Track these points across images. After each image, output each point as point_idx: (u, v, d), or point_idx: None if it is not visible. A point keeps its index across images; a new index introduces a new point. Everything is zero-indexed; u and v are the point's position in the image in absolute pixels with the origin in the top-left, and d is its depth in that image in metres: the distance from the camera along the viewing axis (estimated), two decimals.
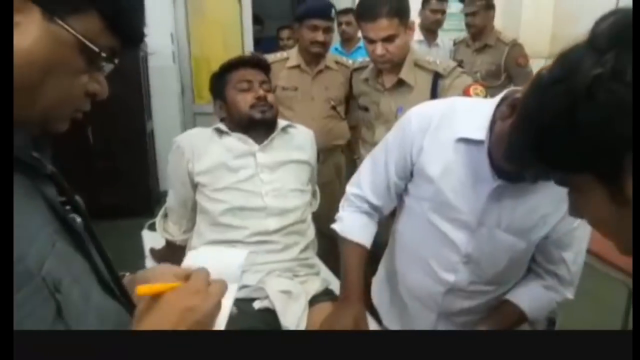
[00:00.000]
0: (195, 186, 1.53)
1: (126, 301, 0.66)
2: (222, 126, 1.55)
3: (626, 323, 2.38)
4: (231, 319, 1.24)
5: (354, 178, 1.37)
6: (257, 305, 1.37)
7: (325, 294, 1.46)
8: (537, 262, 1.22)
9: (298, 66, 2.30)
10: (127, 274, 0.84)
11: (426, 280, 1.25)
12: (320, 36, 2.22)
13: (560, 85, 0.51)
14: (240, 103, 1.51)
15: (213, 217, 1.47)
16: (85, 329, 0.52)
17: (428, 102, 1.33)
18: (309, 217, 1.63)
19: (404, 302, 1.34)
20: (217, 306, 0.61)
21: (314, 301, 1.42)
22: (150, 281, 0.76)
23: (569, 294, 1.22)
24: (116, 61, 0.58)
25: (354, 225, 1.31)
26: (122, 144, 3.74)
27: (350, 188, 1.36)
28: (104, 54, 0.55)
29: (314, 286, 1.46)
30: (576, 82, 0.49)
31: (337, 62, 2.36)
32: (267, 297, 1.37)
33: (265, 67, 1.62)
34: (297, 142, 1.62)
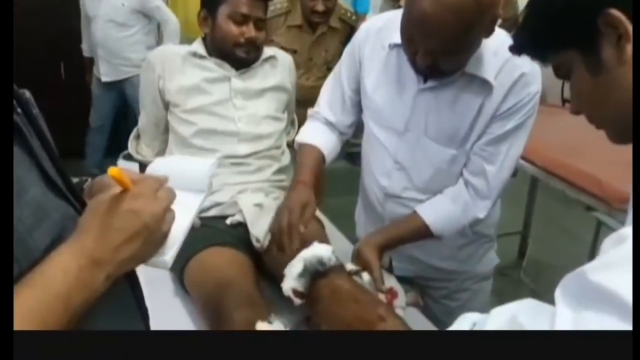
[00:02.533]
0: (167, 106, 1.50)
1: (77, 202, 0.63)
2: (200, 49, 1.50)
3: (592, 254, 2.48)
4: (202, 234, 1.25)
5: (316, 102, 1.38)
6: (229, 221, 1.38)
7: None
8: (461, 173, 1.22)
9: (299, 26, 2.21)
10: (89, 179, 0.83)
11: (371, 186, 1.33)
12: (319, 5, 2.12)
13: None
14: (228, 35, 1.44)
15: (184, 138, 1.45)
16: (16, 222, 0.49)
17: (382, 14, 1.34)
18: (284, 144, 1.62)
19: (366, 213, 1.41)
20: (165, 211, 0.59)
21: None
22: (108, 184, 0.75)
23: (480, 213, 1.19)
24: None
25: (309, 131, 1.34)
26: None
27: (309, 110, 1.38)
28: None
29: None
30: None
31: (341, 20, 2.27)
32: (239, 211, 1.38)
33: None
34: (275, 69, 1.58)
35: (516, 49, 0.71)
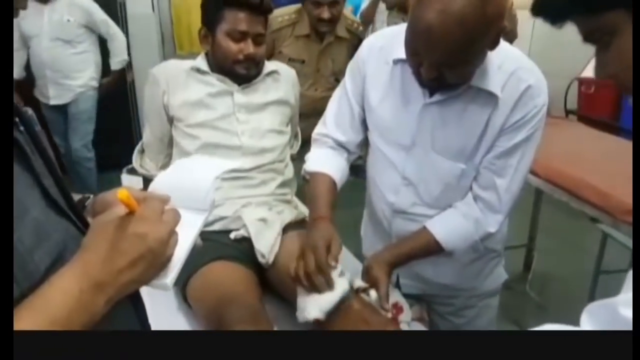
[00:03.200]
0: (171, 120, 1.51)
1: (79, 221, 0.63)
2: (202, 65, 1.51)
3: (599, 267, 2.45)
4: (206, 249, 1.25)
5: (321, 119, 1.36)
6: (233, 235, 1.38)
7: (301, 222, 1.47)
8: (470, 187, 1.21)
9: (307, 36, 2.22)
10: (91, 195, 0.82)
11: (378, 203, 1.31)
12: (325, 13, 2.12)
13: None
14: (227, 53, 1.44)
15: (188, 153, 1.45)
16: (17, 242, 0.49)
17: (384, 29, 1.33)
18: (288, 157, 1.62)
19: (373, 229, 1.39)
20: (170, 234, 0.59)
21: (288, 229, 1.42)
22: (112, 203, 0.74)
23: (491, 227, 1.17)
24: None
25: (318, 158, 1.30)
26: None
27: (315, 129, 1.35)
28: None
29: (290, 215, 1.47)
30: None
31: (348, 30, 2.28)
32: (243, 226, 1.38)
33: (266, 11, 1.48)
34: (278, 83, 1.58)
35: (553, 8, 0.65)
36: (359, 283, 1.14)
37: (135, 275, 0.56)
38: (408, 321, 1.20)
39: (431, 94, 1.12)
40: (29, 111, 0.60)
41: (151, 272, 0.58)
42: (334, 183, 1.27)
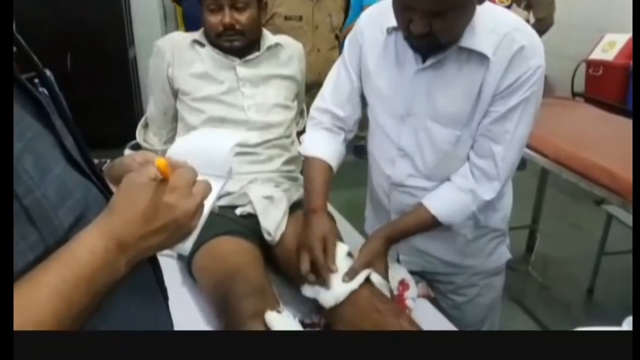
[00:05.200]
0: (175, 94, 1.48)
1: (100, 183, 0.63)
2: (202, 38, 1.48)
3: (602, 248, 2.45)
4: (212, 223, 1.25)
5: (319, 93, 1.34)
6: (239, 211, 1.36)
7: None
8: (467, 158, 1.19)
9: None
10: (107, 160, 0.82)
11: (377, 177, 1.32)
12: None
13: None
14: (209, 27, 1.41)
15: (193, 126, 1.43)
16: (39, 201, 0.49)
17: None
18: (294, 133, 1.60)
19: (374, 206, 1.39)
20: (197, 207, 0.59)
21: (295, 207, 1.41)
22: (131, 167, 0.74)
23: (487, 195, 1.15)
24: None
25: (314, 141, 1.29)
26: (102, 71, 3.62)
27: (314, 103, 1.34)
28: None
29: (297, 193, 1.46)
30: None
31: None
32: (249, 202, 1.36)
33: None
34: (283, 57, 1.55)
35: None
36: (374, 276, 1.14)
37: (157, 242, 0.56)
38: (414, 297, 1.20)
39: (424, 60, 1.11)
40: (48, 72, 0.60)
41: (173, 240, 0.59)
42: (330, 169, 1.27)
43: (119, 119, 3.56)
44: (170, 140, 1.57)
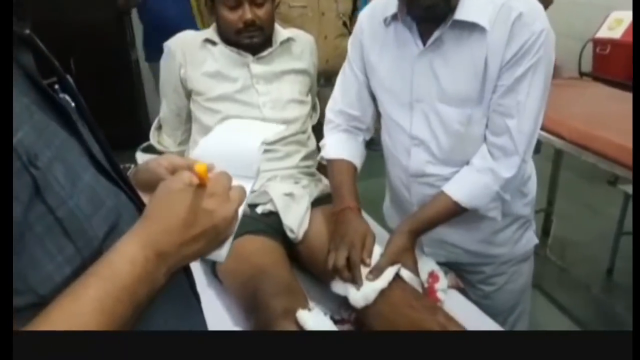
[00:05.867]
0: (189, 94, 1.46)
1: (129, 189, 0.61)
2: (213, 36, 1.46)
3: (621, 229, 2.43)
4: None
5: (331, 96, 1.36)
6: (260, 209, 1.35)
7: (328, 197, 1.43)
8: (483, 138, 1.17)
9: None
10: (132, 166, 0.81)
11: (394, 170, 1.32)
12: None
13: None
14: (227, 24, 1.39)
15: (209, 127, 1.40)
16: (73, 212, 0.48)
17: None
18: (310, 128, 1.58)
19: (395, 200, 1.39)
20: (235, 213, 0.59)
21: (316, 203, 1.40)
22: (157, 171, 0.73)
23: (508, 172, 1.12)
24: None
25: (335, 145, 1.32)
26: (106, 74, 3.60)
27: (327, 106, 1.36)
28: None
29: (317, 189, 1.45)
30: None
31: None
32: (270, 200, 1.35)
33: None
34: (296, 51, 1.53)
35: None
36: (404, 271, 1.12)
37: (195, 250, 0.55)
38: (444, 289, 1.19)
39: (424, 43, 1.11)
40: (69, 78, 0.58)
41: (210, 248, 0.58)
42: (354, 169, 1.29)
43: (120, 123, 3.54)
44: (185, 141, 1.56)
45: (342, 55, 2.17)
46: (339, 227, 1.17)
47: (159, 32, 3.02)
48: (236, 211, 0.59)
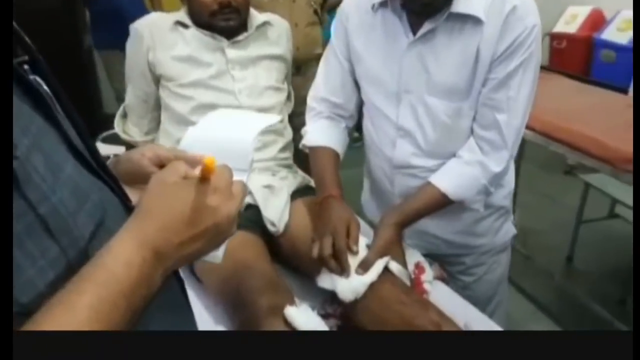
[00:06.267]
0: (157, 80, 1.38)
1: (112, 182, 0.55)
2: (185, 19, 1.38)
3: (581, 217, 2.52)
4: None
5: (313, 83, 1.32)
6: None
7: (307, 189, 1.41)
8: (470, 131, 1.17)
9: None
10: (111, 155, 0.75)
11: (376, 161, 1.29)
12: None
13: None
14: (201, 5, 1.31)
15: (181, 115, 1.34)
16: (56, 208, 0.43)
17: None
18: (286, 117, 1.53)
19: (375, 192, 1.36)
20: (238, 210, 0.54)
21: (295, 195, 1.36)
22: (141, 162, 0.67)
23: (496, 166, 1.12)
24: None
25: (317, 131, 1.28)
26: (55, 61, 3.38)
27: (309, 93, 1.32)
28: None
29: (295, 182, 1.40)
30: None
31: None
32: (249, 192, 1.29)
33: None
34: (272, 36, 1.47)
35: None
36: (393, 264, 1.09)
37: (194, 250, 0.50)
38: (430, 280, 1.17)
39: (414, 33, 1.08)
40: (45, 64, 0.51)
41: (209, 248, 0.53)
42: (337, 156, 1.25)
43: (78, 109, 3.36)
44: (152, 130, 1.47)
45: (312, 44, 2.15)
46: (322, 215, 1.13)
47: (106, 17, 2.91)
48: (238, 209, 0.54)
